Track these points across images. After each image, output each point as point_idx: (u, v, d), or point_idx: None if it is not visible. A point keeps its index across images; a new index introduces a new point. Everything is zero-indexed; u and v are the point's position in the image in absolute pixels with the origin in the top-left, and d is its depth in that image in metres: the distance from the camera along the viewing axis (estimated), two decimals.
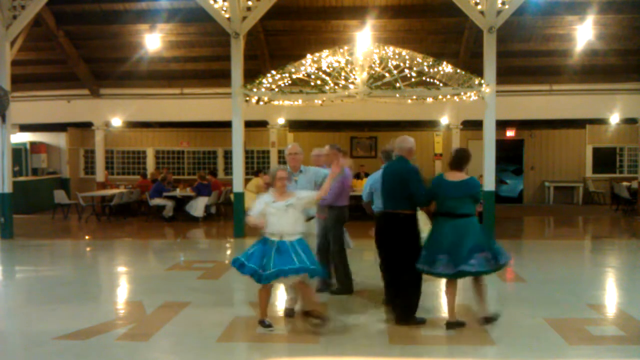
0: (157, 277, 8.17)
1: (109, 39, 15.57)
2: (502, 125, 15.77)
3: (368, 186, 6.59)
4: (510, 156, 18.60)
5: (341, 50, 10.95)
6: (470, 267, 5.29)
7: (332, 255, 6.72)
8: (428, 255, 5.46)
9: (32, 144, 18.19)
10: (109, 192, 15.26)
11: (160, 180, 14.92)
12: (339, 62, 10.95)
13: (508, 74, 14.65)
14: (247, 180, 12.74)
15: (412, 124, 17.93)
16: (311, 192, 5.55)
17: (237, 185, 11.62)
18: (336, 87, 10.99)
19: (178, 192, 14.71)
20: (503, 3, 10.89)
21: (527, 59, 15.58)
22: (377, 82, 10.90)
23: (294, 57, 11.91)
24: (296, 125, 18.30)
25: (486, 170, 11.18)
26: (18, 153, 16.91)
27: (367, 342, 5.29)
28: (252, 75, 12.21)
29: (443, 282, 6.84)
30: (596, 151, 18.14)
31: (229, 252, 10.85)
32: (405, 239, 5.67)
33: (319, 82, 11.05)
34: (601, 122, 17.37)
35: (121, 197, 14.38)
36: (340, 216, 6.75)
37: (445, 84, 11.15)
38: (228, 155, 17.81)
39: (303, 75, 11.14)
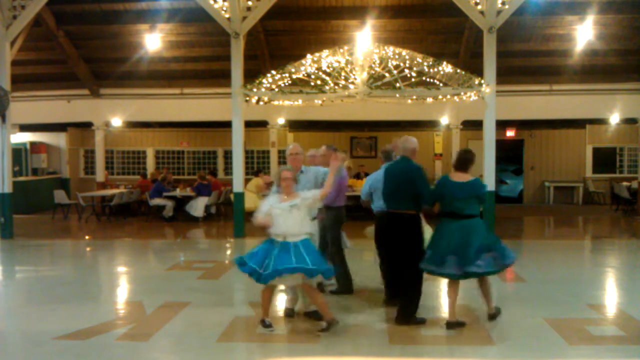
0: (157, 277, 8.17)
1: (109, 39, 15.57)
2: (502, 125, 15.76)
3: (368, 186, 6.60)
4: (510, 156, 18.60)
5: (341, 50, 10.96)
6: (478, 267, 5.35)
7: (330, 256, 6.72)
8: (435, 256, 5.47)
9: (32, 144, 18.19)
10: (109, 192, 15.26)
11: (160, 180, 14.92)
12: (339, 62, 10.95)
13: (508, 74, 14.65)
14: (247, 180, 12.76)
15: (412, 124, 17.92)
16: (315, 191, 5.53)
17: (237, 185, 11.62)
18: (336, 87, 10.99)
19: (178, 192, 14.71)
20: (503, 3, 10.89)
21: (527, 59, 15.58)
22: (377, 82, 10.90)
23: (294, 57, 11.91)
24: (296, 125, 18.30)
25: (486, 170, 11.18)
26: (18, 153, 16.91)
27: (367, 342, 5.29)
28: (252, 75, 12.21)
29: (443, 282, 6.87)
30: (596, 151, 18.14)
31: (229, 252, 10.85)
32: (409, 239, 5.67)
33: (319, 82, 11.05)
34: (601, 122, 17.37)
35: (121, 197, 14.38)
36: (338, 217, 6.74)
37: (445, 84, 11.15)
38: (228, 155, 17.81)
39: (303, 75, 11.14)
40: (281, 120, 17.19)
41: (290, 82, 11.33)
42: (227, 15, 11.21)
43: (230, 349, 5.24)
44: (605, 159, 18.07)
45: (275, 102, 11.45)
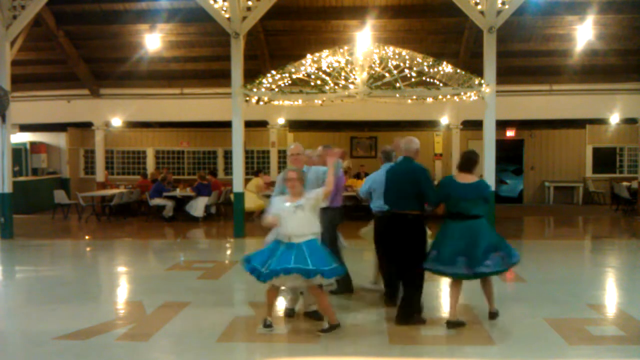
0: (157, 277, 8.17)
1: (109, 39, 15.58)
2: (502, 125, 15.76)
3: (367, 185, 6.60)
4: (510, 156, 18.61)
5: (341, 50, 10.95)
6: (487, 267, 5.40)
7: None
8: (444, 256, 5.48)
9: (32, 144, 18.19)
10: (109, 192, 15.26)
11: (160, 180, 14.91)
12: (339, 62, 10.95)
13: (508, 74, 14.65)
14: (247, 180, 12.76)
15: (412, 124, 17.93)
16: (317, 190, 5.53)
17: (237, 185, 11.62)
18: (336, 87, 10.99)
19: (178, 192, 14.71)
20: (503, 3, 10.89)
21: (527, 59, 15.59)
22: (377, 82, 10.90)
23: (294, 57, 11.90)
24: (296, 125, 18.30)
25: (486, 170, 11.18)
26: (18, 153, 16.91)
27: (367, 342, 5.29)
28: (252, 75, 12.21)
29: (443, 282, 6.88)
30: (596, 151, 18.14)
31: (229, 252, 10.85)
32: (414, 240, 5.69)
33: (319, 82, 11.05)
34: (601, 122, 17.37)
35: (121, 197, 14.38)
36: (335, 218, 6.73)
37: (445, 84, 11.15)
38: (228, 155, 17.81)
39: (303, 75, 11.14)
40: (281, 120, 17.19)
41: (290, 82, 11.33)
42: (227, 15, 11.21)
43: (230, 349, 5.24)
44: (605, 159, 18.07)
45: (275, 102, 11.45)
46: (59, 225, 14.04)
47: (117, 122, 17.18)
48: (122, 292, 7.72)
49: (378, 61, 10.91)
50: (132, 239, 12.24)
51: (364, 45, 10.94)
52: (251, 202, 13.13)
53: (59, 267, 9.51)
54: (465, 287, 5.93)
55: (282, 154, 17.51)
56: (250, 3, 11.22)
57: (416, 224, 5.70)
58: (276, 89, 11.20)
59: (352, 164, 17.60)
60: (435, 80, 11.15)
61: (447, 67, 10.97)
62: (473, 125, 16.11)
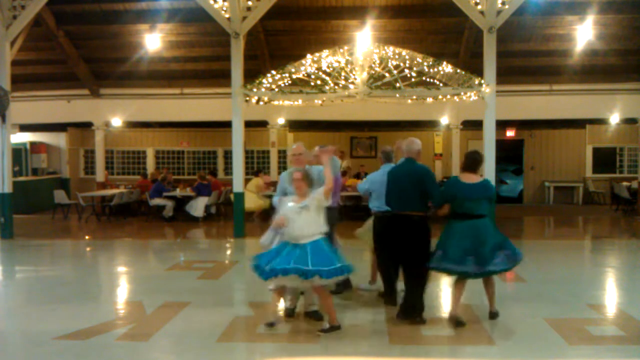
0: (157, 277, 8.17)
1: (109, 39, 15.58)
2: (502, 125, 15.76)
3: (367, 185, 6.60)
4: (510, 156, 18.60)
5: (341, 50, 10.95)
6: (495, 266, 5.48)
7: None
8: (453, 255, 5.50)
9: (32, 144, 18.19)
10: (109, 192, 15.26)
11: (160, 180, 14.91)
12: (339, 62, 10.94)
13: (508, 74, 14.65)
14: (247, 180, 12.77)
15: (412, 124, 17.93)
16: (319, 189, 5.53)
17: (237, 185, 11.62)
18: (336, 87, 10.99)
19: (178, 192, 14.71)
20: (503, 3, 10.89)
21: (527, 59, 15.59)
22: (377, 82, 10.89)
23: (294, 57, 11.90)
24: (296, 125, 18.30)
25: (486, 170, 11.12)
26: (18, 153, 16.91)
27: (367, 342, 5.29)
28: (252, 75, 12.21)
29: (444, 282, 6.89)
30: (596, 151, 18.14)
31: (229, 252, 10.85)
32: (419, 241, 5.70)
33: (319, 82, 11.05)
34: (601, 122, 17.37)
35: (121, 197, 14.39)
36: (331, 217, 6.72)
37: (445, 84, 11.14)
38: (228, 155, 17.81)
39: (303, 75, 11.14)
40: (281, 120, 17.19)
41: (290, 82, 11.32)
42: (227, 15, 11.21)
43: (230, 349, 5.24)
44: (605, 159, 18.07)
45: (275, 102, 11.44)
46: (59, 225, 14.04)
47: (117, 122, 17.18)
48: (122, 292, 7.72)
49: (378, 61, 10.90)
50: (132, 239, 12.24)
51: (364, 45, 10.94)
52: (251, 202, 13.13)
53: (59, 267, 9.51)
54: (465, 287, 5.97)
55: (282, 154, 17.52)
56: (250, 3, 11.22)
57: (421, 225, 5.73)
58: (276, 89, 11.20)
59: (352, 163, 17.64)
60: (435, 80, 11.15)
61: (447, 67, 10.96)
62: (473, 125, 16.11)
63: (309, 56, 11.09)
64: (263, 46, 15.31)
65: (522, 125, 17.99)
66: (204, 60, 16.03)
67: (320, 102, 11.29)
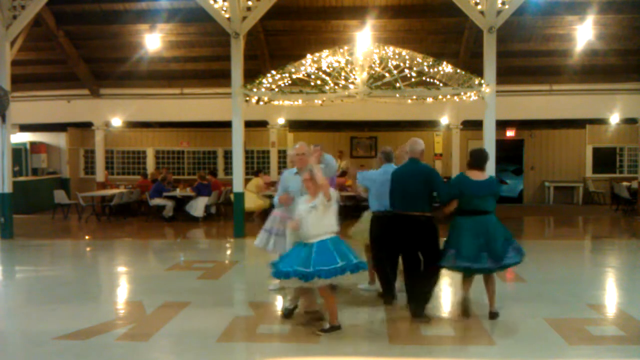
0: (157, 277, 8.17)
1: (109, 39, 15.57)
2: (502, 125, 15.76)
3: (363, 181, 6.61)
4: (510, 156, 18.59)
5: (341, 50, 10.95)
6: (510, 259, 5.63)
7: None
8: (467, 253, 5.56)
9: (32, 144, 18.19)
10: (109, 192, 15.26)
11: (160, 180, 14.91)
12: (339, 62, 10.95)
13: (508, 74, 14.65)
14: (247, 180, 12.76)
15: (412, 124, 17.92)
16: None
17: (237, 185, 11.62)
18: (336, 87, 10.99)
19: (178, 192, 14.71)
20: (503, 3, 10.89)
21: (527, 59, 15.58)
22: (377, 82, 10.90)
23: (294, 57, 11.90)
24: (296, 125, 18.30)
25: (486, 170, 11.15)
26: (18, 153, 16.91)
27: (367, 342, 5.29)
28: (252, 75, 12.21)
29: (444, 282, 6.89)
30: (596, 151, 18.14)
31: (229, 252, 10.85)
32: (429, 240, 5.75)
33: (319, 82, 11.05)
34: (601, 122, 17.37)
35: (121, 197, 14.38)
36: None
37: (445, 84, 11.15)
38: (228, 155, 17.81)
39: (303, 75, 11.14)
40: (281, 120, 17.19)
41: (290, 82, 11.33)
42: (227, 15, 11.21)
43: (230, 349, 5.24)
44: (605, 159, 18.07)
45: (275, 102, 11.45)
46: (59, 225, 14.04)
47: (117, 122, 17.17)
48: (122, 292, 7.72)
49: (378, 61, 10.91)
50: (132, 239, 12.24)
51: (364, 45, 10.94)
52: (251, 202, 13.13)
53: (59, 267, 9.51)
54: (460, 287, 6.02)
55: (282, 154, 17.51)
56: (250, 3, 11.22)
57: (430, 225, 5.77)
58: (276, 89, 11.20)
59: (351, 163, 17.63)
60: (435, 80, 11.15)
61: (447, 67, 10.97)
62: (473, 125, 16.11)
63: (309, 56, 11.09)
64: (263, 46, 15.31)
65: (522, 125, 17.99)
66: (204, 60, 16.03)
67: (320, 102, 11.29)
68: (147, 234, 12.66)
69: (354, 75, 10.91)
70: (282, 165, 17.22)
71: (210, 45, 15.44)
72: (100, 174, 17.22)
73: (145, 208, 15.40)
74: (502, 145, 16.28)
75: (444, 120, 16.99)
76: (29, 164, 18.06)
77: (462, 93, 11.04)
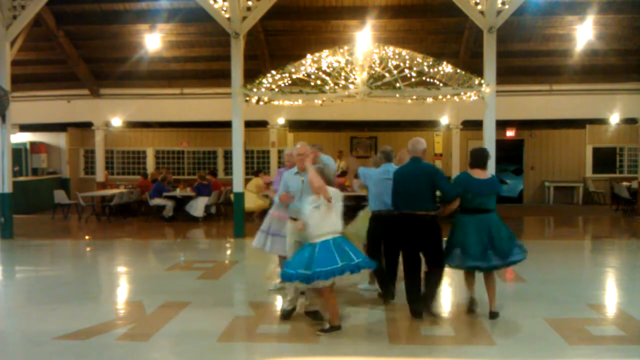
0: (157, 277, 8.17)
1: (109, 39, 15.57)
2: (502, 125, 15.76)
3: (363, 177, 6.60)
4: (510, 156, 18.59)
5: (341, 50, 10.95)
6: (515, 256, 5.70)
7: None
8: (474, 252, 5.59)
9: (32, 144, 18.19)
10: (109, 192, 15.26)
11: (160, 180, 14.91)
12: (339, 62, 10.95)
13: (508, 74, 14.65)
14: (247, 180, 12.76)
15: (412, 124, 17.91)
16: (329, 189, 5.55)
17: (237, 185, 11.62)
18: (336, 87, 10.99)
19: (178, 192, 14.71)
20: (503, 3, 10.89)
21: (527, 59, 15.58)
22: (377, 82, 10.90)
23: (294, 57, 11.90)
24: (296, 125, 18.30)
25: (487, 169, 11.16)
26: (18, 153, 16.91)
27: (367, 342, 5.29)
28: (252, 75, 12.21)
29: (444, 282, 6.88)
30: (596, 151, 18.14)
31: (229, 252, 10.85)
32: (434, 239, 5.78)
33: (319, 82, 11.05)
34: (601, 122, 17.37)
35: (121, 197, 14.38)
36: None
37: (445, 84, 11.15)
38: (228, 155, 17.82)
39: (303, 75, 11.14)
40: (281, 120, 17.19)
41: (290, 82, 11.32)
42: (227, 15, 11.21)
43: (230, 349, 5.24)
44: (605, 159, 18.07)
45: (275, 102, 11.45)
46: (59, 225, 14.04)
47: (117, 122, 17.17)
48: (122, 292, 7.72)
49: (378, 61, 10.91)
50: (132, 239, 12.24)
51: (364, 45, 10.94)
52: (251, 202, 13.13)
53: (59, 267, 9.51)
54: (464, 288, 5.98)
55: (282, 154, 17.50)
56: (250, 3, 11.22)
57: (434, 224, 5.79)
58: (276, 89, 11.20)
59: (348, 163, 17.62)
60: (435, 80, 11.15)
61: (447, 67, 10.97)
62: (473, 125, 16.11)
63: (309, 56, 11.09)
64: (263, 46, 15.31)
65: (522, 125, 17.99)
66: (204, 60, 16.03)
67: (320, 102, 11.29)
68: (147, 234, 12.66)
69: (354, 75, 10.91)
70: (282, 165, 17.21)
71: (210, 45, 15.44)
72: (100, 174, 17.22)
73: (145, 208, 15.40)
74: (502, 145, 16.29)
75: (444, 120, 16.98)
76: (29, 164, 18.07)
77: (462, 93, 11.04)
